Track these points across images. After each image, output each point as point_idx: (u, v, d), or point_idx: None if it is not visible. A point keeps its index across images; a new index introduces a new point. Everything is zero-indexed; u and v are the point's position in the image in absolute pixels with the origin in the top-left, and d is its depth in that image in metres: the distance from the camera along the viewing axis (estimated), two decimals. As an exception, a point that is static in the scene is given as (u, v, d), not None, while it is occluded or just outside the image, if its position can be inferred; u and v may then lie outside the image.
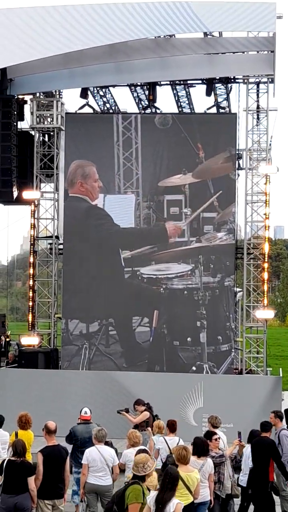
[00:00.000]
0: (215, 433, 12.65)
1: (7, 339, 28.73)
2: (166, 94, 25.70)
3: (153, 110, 24.40)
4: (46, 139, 24.67)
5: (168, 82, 24.75)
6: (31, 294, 24.37)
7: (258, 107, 23.47)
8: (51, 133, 24.47)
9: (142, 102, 26.22)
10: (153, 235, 23.32)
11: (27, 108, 24.22)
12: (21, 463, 11.20)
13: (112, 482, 12.65)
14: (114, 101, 26.99)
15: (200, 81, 24.16)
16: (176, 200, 23.29)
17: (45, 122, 24.63)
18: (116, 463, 12.53)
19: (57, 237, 24.40)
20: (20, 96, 23.85)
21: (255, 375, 22.83)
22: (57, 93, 24.37)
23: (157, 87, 24.22)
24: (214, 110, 25.08)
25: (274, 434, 14.38)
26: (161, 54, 22.80)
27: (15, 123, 23.22)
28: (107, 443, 12.78)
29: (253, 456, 13.04)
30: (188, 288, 22.94)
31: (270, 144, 23.85)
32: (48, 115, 24.48)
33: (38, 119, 24.35)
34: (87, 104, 24.67)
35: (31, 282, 24.42)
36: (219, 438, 12.63)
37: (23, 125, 24.33)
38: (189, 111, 26.78)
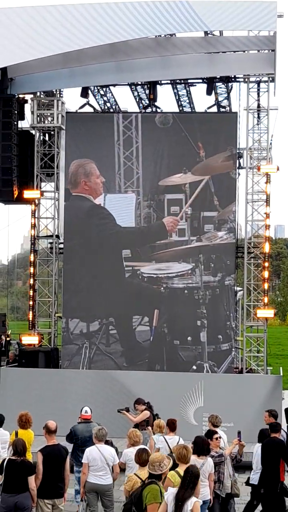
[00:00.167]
0: (216, 432, 12.66)
1: (8, 339, 28.77)
2: (166, 93, 25.73)
3: (154, 109, 24.41)
4: (47, 138, 24.67)
5: (169, 81, 24.75)
6: (31, 293, 24.38)
7: (258, 106, 23.46)
8: (52, 132, 24.46)
9: (143, 101, 26.23)
10: (153, 232, 23.28)
11: (27, 108, 24.22)
12: (22, 462, 11.21)
13: (112, 481, 12.67)
14: (115, 100, 26.99)
15: (200, 80, 24.16)
16: (176, 199, 23.28)
17: (46, 122, 24.62)
18: (117, 462, 12.54)
19: (57, 236, 24.40)
20: (21, 96, 23.84)
21: (255, 374, 22.83)
22: (58, 92, 24.36)
23: (158, 86, 24.22)
24: (214, 109, 25.08)
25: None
26: (162, 53, 22.80)
27: (15, 123, 23.21)
28: (107, 442, 12.80)
29: (263, 456, 13.06)
30: (188, 287, 22.93)
31: (270, 143, 23.83)
32: (49, 114, 24.47)
33: (38, 118, 24.34)
34: (88, 103, 24.68)
35: (31, 281, 24.42)
36: (220, 437, 12.64)
37: (24, 124, 24.33)
38: (190, 110, 26.78)
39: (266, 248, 23.23)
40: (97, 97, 26.23)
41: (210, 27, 21.60)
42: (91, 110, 24.91)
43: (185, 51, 22.72)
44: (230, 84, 24.64)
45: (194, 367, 22.59)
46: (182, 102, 26.72)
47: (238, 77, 23.76)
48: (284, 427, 19.93)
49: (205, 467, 11.47)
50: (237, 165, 24.14)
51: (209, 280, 22.87)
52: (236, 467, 13.22)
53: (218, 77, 23.77)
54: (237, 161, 24.05)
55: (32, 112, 24.16)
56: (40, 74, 23.05)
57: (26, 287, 47.96)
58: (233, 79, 24.03)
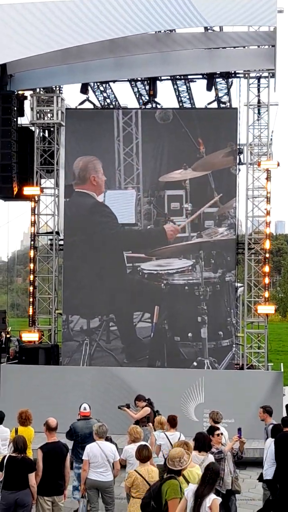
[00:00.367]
0: (218, 428, 12.64)
1: (8, 335, 28.76)
2: (166, 89, 25.67)
3: (154, 105, 24.34)
4: (46, 134, 24.64)
5: (169, 77, 24.69)
6: (31, 290, 24.37)
7: (259, 101, 23.40)
8: (51, 129, 24.43)
9: (143, 97, 26.18)
10: (153, 237, 23.23)
11: (27, 104, 24.17)
12: (22, 459, 11.21)
13: (113, 478, 12.67)
14: (115, 97, 26.95)
15: (200, 76, 24.10)
16: (176, 195, 23.25)
17: (45, 118, 24.58)
18: (117, 459, 12.53)
19: (57, 232, 24.38)
20: (20, 92, 23.80)
21: (256, 370, 22.81)
22: (57, 88, 24.32)
23: (158, 82, 24.15)
24: (215, 105, 25.03)
25: (264, 429, 14.42)
26: (162, 49, 22.75)
27: (15, 119, 23.18)
28: (106, 439, 12.77)
29: (277, 451, 13.02)
30: (189, 284, 22.91)
31: (271, 139, 23.78)
32: (48, 110, 24.43)
33: (38, 114, 24.31)
34: (88, 99, 24.62)
35: (31, 278, 24.41)
36: (222, 433, 12.62)
37: (23, 120, 24.27)
38: (190, 106, 26.73)
39: (267, 245, 23.19)
40: (96, 93, 26.18)
41: (210, 22, 21.54)
42: (91, 106, 24.86)
43: (185, 46, 22.67)
44: (230, 79, 24.59)
45: (195, 364, 22.57)
46: (182, 98, 26.67)
47: (238, 73, 23.71)
48: (275, 423, 20.01)
49: (205, 464, 11.43)
50: (238, 161, 24.09)
51: (209, 276, 22.84)
52: (237, 463, 13.19)
53: (218, 72, 23.70)
54: (238, 157, 23.99)
55: (32, 109, 24.13)
56: (40, 70, 23.02)
57: (26, 284, 48.01)
58: (233, 75, 23.98)
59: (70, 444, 13.26)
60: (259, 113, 23.49)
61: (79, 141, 23.75)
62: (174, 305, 22.98)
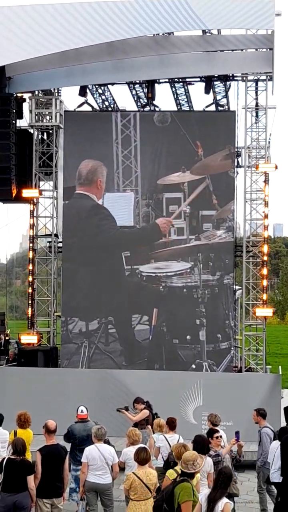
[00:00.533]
0: (217, 431, 12.64)
1: (7, 338, 28.78)
2: (165, 92, 25.76)
3: (152, 108, 24.39)
4: (45, 137, 24.66)
5: (167, 80, 24.74)
6: (30, 291, 24.39)
7: (257, 104, 23.45)
8: (50, 131, 24.46)
9: (141, 100, 26.22)
10: (148, 233, 23.27)
11: (26, 106, 24.18)
12: (21, 461, 11.21)
13: (112, 480, 12.66)
14: (113, 99, 26.98)
15: (198, 79, 24.15)
16: (175, 198, 23.28)
17: (44, 120, 24.60)
18: (116, 462, 12.52)
19: (56, 235, 24.40)
20: (19, 94, 23.81)
21: (254, 373, 22.83)
22: (56, 91, 24.33)
23: (156, 85, 24.21)
24: (213, 107, 25.08)
25: (257, 432, 14.43)
26: (160, 52, 22.78)
27: (14, 121, 23.22)
28: (104, 441, 12.77)
29: (282, 453, 13.03)
30: (187, 286, 22.93)
31: (269, 142, 23.82)
32: (47, 113, 24.46)
33: (37, 117, 24.34)
34: (86, 102, 24.66)
35: (30, 279, 24.44)
36: (221, 436, 12.62)
37: (22, 123, 24.31)
38: (188, 109, 26.78)
39: (265, 249, 23.21)
40: (95, 96, 26.22)
41: (208, 25, 21.57)
42: (90, 109, 24.90)
43: (183, 49, 22.70)
44: (228, 82, 24.63)
45: (193, 366, 22.59)
46: (180, 101, 26.71)
47: (236, 76, 23.76)
48: (283, 426, 19.99)
49: (203, 467, 11.44)
50: (236, 164, 24.13)
51: (208, 279, 22.87)
52: (237, 466, 13.18)
53: (216, 75, 23.77)
54: (236, 159, 24.04)
55: (31, 111, 24.15)
56: (38, 73, 23.03)
57: (25, 286, 48.03)
58: (231, 78, 24.02)
59: (68, 446, 13.24)
60: (257, 116, 23.53)
61: (77, 144, 23.77)
62: (173, 307, 23.00)
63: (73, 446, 13.97)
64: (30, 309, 24.30)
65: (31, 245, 24.43)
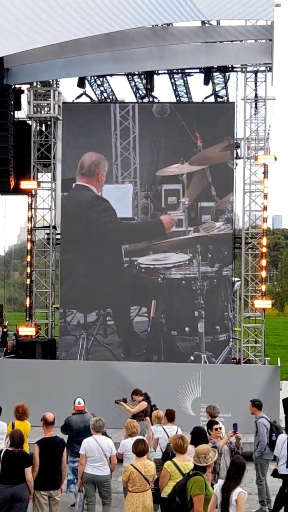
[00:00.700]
0: (217, 423, 12.64)
1: (5, 330, 28.77)
2: (163, 83, 25.68)
3: (151, 99, 24.33)
4: (43, 128, 24.59)
5: (166, 71, 24.68)
6: (28, 282, 24.36)
7: (256, 96, 23.38)
8: (48, 123, 24.38)
9: (140, 91, 26.15)
10: (150, 229, 23.26)
11: (24, 98, 24.13)
12: (19, 453, 11.21)
13: (110, 472, 12.66)
14: (112, 90, 26.91)
15: (198, 70, 24.10)
16: (173, 189, 23.25)
17: (42, 112, 24.53)
18: (114, 453, 12.51)
19: (54, 227, 24.37)
20: (17, 86, 23.74)
21: (253, 365, 22.82)
22: (54, 82, 24.28)
23: (155, 76, 24.16)
24: (212, 99, 24.98)
25: (253, 422, 14.44)
26: (159, 43, 22.70)
27: (12, 113, 23.14)
28: (102, 433, 12.75)
29: None
30: (186, 278, 22.91)
31: (268, 133, 23.77)
32: (45, 104, 24.39)
33: (35, 108, 24.27)
34: (85, 93, 24.61)
35: (28, 270, 24.41)
36: (220, 428, 12.61)
37: (20, 114, 24.22)
38: (187, 100, 26.71)
39: (264, 242, 23.17)
40: (94, 87, 26.14)
41: (207, 16, 21.49)
42: (88, 100, 24.84)
43: (182, 40, 22.62)
44: (227, 73, 24.57)
45: (192, 358, 22.58)
46: (179, 92, 26.64)
47: (236, 67, 23.70)
48: (282, 418, 20.00)
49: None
50: (235, 155, 24.08)
51: (206, 271, 22.85)
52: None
53: (215, 66, 23.70)
54: (235, 151, 23.99)
55: (29, 102, 24.10)
56: (37, 64, 22.95)
57: (23, 278, 48.03)
58: (230, 69, 23.96)
59: (65, 438, 13.23)
60: (256, 107, 23.46)
61: (76, 135, 23.72)
62: (171, 299, 22.99)
63: (70, 438, 13.96)
64: (28, 300, 24.29)
65: (29, 237, 24.40)
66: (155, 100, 24.24)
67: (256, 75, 23.30)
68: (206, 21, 22.38)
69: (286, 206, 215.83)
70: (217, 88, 25.35)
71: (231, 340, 22.94)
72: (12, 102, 23.07)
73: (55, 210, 24.32)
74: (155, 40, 22.64)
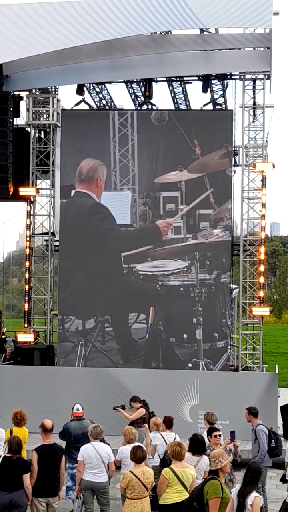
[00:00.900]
0: (217, 430, 12.66)
1: (3, 336, 28.74)
2: (162, 91, 25.71)
3: (149, 106, 24.39)
4: (42, 135, 24.63)
5: (164, 79, 24.71)
6: (27, 288, 24.38)
7: (254, 103, 23.45)
8: (47, 130, 24.43)
9: (138, 99, 26.20)
10: (148, 235, 23.29)
11: (23, 105, 24.19)
12: (17, 460, 11.21)
13: (108, 479, 12.66)
14: (110, 98, 26.97)
15: (196, 78, 24.14)
16: (172, 196, 23.29)
17: (41, 119, 24.58)
18: (112, 460, 12.51)
19: (53, 233, 24.41)
20: (16, 93, 23.78)
21: (251, 372, 22.83)
22: (53, 89, 24.32)
23: (153, 83, 24.21)
24: (210, 106, 25.06)
25: (251, 430, 14.44)
26: (157, 51, 22.77)
27: (11, 120, 23.20)
28: (100, 440, 12.76)
29: None
30: (184, 285, 22.94)
31: (266, 141, 23.82)
32: (44, 111, 24.44)
33: (34, 115, 24.32)
34: (83, 100, 24.66)
35: (27, 276, 24.43)
36: (220, 435, 12.63)
37: (19, 121, 24.28)
38: (185, 108, 26.75)
39: (262, 250, 23.18)
40: (92, 95, 26.20)
41: (205, 24, 21.56)
42: (87, 107, 24.89)
43: (181, 48, 22.70)
44: (225, 81, 24.61)
45: (190, 365, 22.60)
46: (178, 100, 26.70)
47: (234, 75, 23.75)
48: (279, 425, 20.03)
49: (200, 465, 11.45)
50: (233, 163, 24.12)
51: (204, 278, 22.88)
52: (234, 466, 13.16)
53: (213, 74, 23.76)
54: (233, 158, 24.04)
55: (28, 109, 24.14)
56: (36, 71, 23.02)
57: (21, 284, 47.96)
58: (228, 77, 24.01)
59: (63, 444, 13.24)
60: (254, 115, 23.53)
61: (75, 142, 23.77)
62: (170, 306, 23.01)
63: (68, 444, 13.97)
64: (26, 305, 24.30)
65: (28, 243, 24.41)
66: (154, 108, 24.31)
67: (254, 83, 23.37)
68: (204, 29, 22.45)
69: (284, 213, 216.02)
70: (216, 96, 25.42)
71: (229, 347, 22.95)
72: (11, 109, 23.14)
73: (54, 217, 24.34)
74: (153, 47, 22.71)
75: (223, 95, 25.70)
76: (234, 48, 22.83)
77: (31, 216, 24.43)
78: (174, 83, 25.46)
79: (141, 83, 24.74)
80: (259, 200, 23.33)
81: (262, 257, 23.24)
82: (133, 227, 23.39)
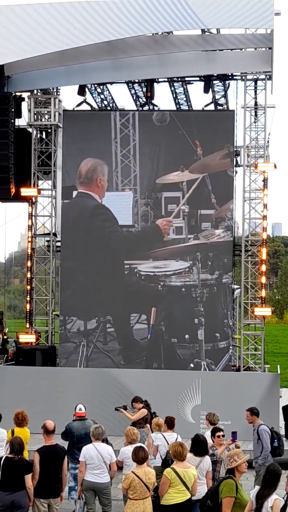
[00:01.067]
0: (220, 430, 12.66)
1: (5, 337, 28.79)
2: (164, 91, 25.74)
3: (151, 107, 24.41)
4: (44, 136, 24.66)
5: (166, 79, 24.73)
6: (28, 288, 24.38)
7: (256, 104, 23.45)
8: (49, 130, 24.45)
9: (140, 99, 26.21)
10: (149, 235, 23.28)
11: (24, 105, 24.20)
12: (19, 460, 11.20)
13: (110, 479, 12.63)
14: (112, 98, 26.97)
15: (198, 78, 24.16)
16: (173, 197, 23.29)
17: (43, 119, 24.61)
18: (114, 460, 12.49)
19: (54, 234, 24.42)
20: (18, 93, 23.82)
21: (253, 372, 22.83)
22: (55, 90, 24.34)
23: (155, 84, 24.25)
24: (212, 107, 25.08)
25: (253, 431, 14.42)
26: (159, 51, 22.78)
27: (12, 120, 23.22)
28: (102, 440, 12.75)
29: None
30: (186, 285, 22.94)
31: (268, 141, 23.82)
32: (46, 112, 24.46)
33: (35, 116, 24.34)
34: (85, 101, 24.69)
35: (28, 275, 24.44)
36: (223, 435, 12.62)
37: (21, 122, 24.30)
38: (187, 108, 26.76)
39: (263, 251, 23.17)
40: (94, 95, 26.20)
41: (207, 24, 21.57)
42: (88, 108, 24.92)
43: (182, 49, 22.70)
44: (227, 82, 24.63)
45: (192, 365, 22.59)
46: (179, 100, 26.69)
47: (235, 75, 23.77)
48: (281, 425, 20.01)
49: (202, 465, 11.45)
50: (235, 163, 24.12)
51: (206, 278, 22.88)
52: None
53: (215, 75, 23.79)
54: (235, 159, 24.04)
55: (29, 110, 24.15)
56: (37, 72, 23.04)
57: (23, 285, 48.02)
58: (230, 77, 24.03)
59: (65, 444, 13.24)
60: (256, 115, 23.53)
61: (76, 143, 23.77)
62: (171, 307, 23.01)
63: (71, 444, 13.96)
64: (28, 306, 24.30)
65: (29, 244, 24.42)
66: (155, 108, 24.32)
67: (256, 83, 23.37)
68: (206, 30, 22.47)
69: (286, 213, 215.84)
70: (217, 96, 25.44)
71: (231, 347, 22.95)
72: (13, 110, 23.15)
73: (56, 218, 24.36)
74: (155, 48, 22.73)
75: (225, 96, 25.72)
76: (235, 48, 22.85)
77: (33, 217, 24.45)
78: (175, 84, 25.47)
79: (143, 84, 24.77)
80: (261, 201, 23.34)
81: (264, 257, 23.24)
82: (134, 227, 23.39)
